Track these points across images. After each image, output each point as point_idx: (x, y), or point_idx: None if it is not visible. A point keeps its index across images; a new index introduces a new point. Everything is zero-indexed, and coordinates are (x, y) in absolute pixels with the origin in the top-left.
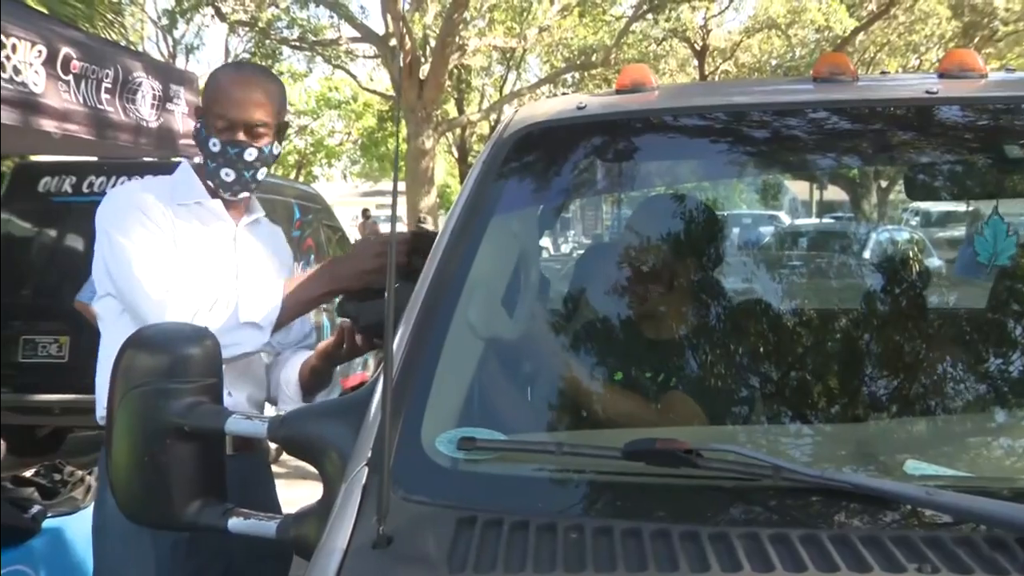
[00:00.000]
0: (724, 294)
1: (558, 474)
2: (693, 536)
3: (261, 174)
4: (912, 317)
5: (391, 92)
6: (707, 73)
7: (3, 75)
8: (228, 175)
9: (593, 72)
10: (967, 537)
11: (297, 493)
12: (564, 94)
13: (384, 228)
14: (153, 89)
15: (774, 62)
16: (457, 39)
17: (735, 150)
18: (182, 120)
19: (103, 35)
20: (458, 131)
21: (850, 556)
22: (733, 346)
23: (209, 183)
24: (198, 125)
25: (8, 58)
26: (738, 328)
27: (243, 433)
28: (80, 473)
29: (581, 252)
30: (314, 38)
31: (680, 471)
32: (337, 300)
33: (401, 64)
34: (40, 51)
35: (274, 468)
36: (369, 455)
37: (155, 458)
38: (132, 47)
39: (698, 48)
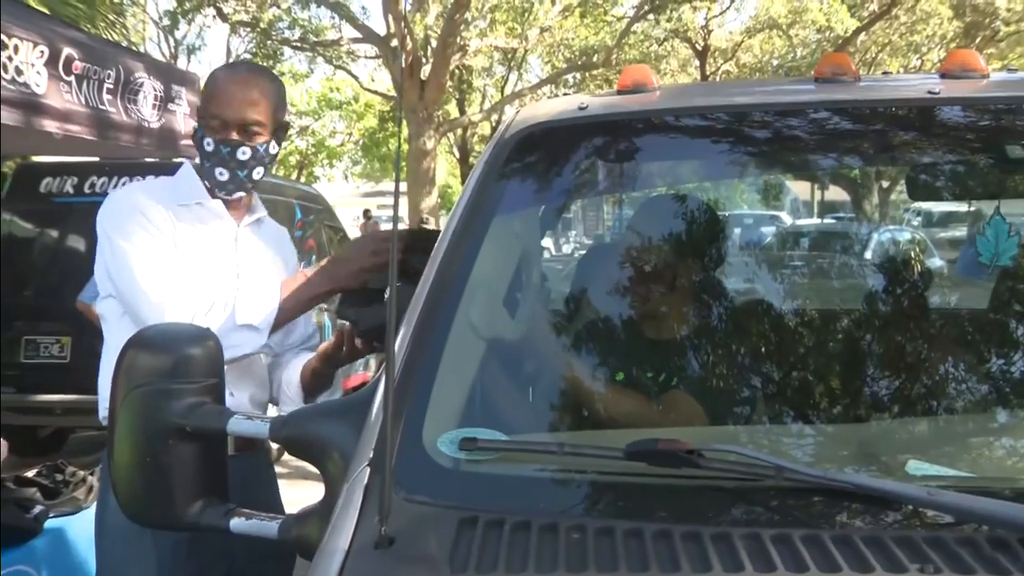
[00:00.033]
0: (725, 294)
1: (560, 474)
2: (695, 536)
3: (257, 173)
4: (914, 317)
5: (392, 93)
6: (708, 73)
7: (5, 76)
8: (222, 174)
9: (594, 72)
10: (969, 537)
11: (299, 493)
12: (565, 95)
13: (385, 228)
14: (155, 90)
15: (775, 62)
16: (458, 40)
17: (737, 150)
18: (184, 121)
19: (105, 36)
20: (459, 132)
21: (852, 556)
22: (735, 346)
23: (207, 183)
24: (196, 125)
25: (10, 59)
26: (740, 328)
27: (245, 433)
28: (82, 473)
29: (583, 252)
30: (315, 39)
31: (682, 471)
32: (336, 300)
33: (402, 65)
34: (42, 52)
35: (276, 468)
36: (371, 455)
37: (157, 458)
38: (134, 48)
39: (699, 48)
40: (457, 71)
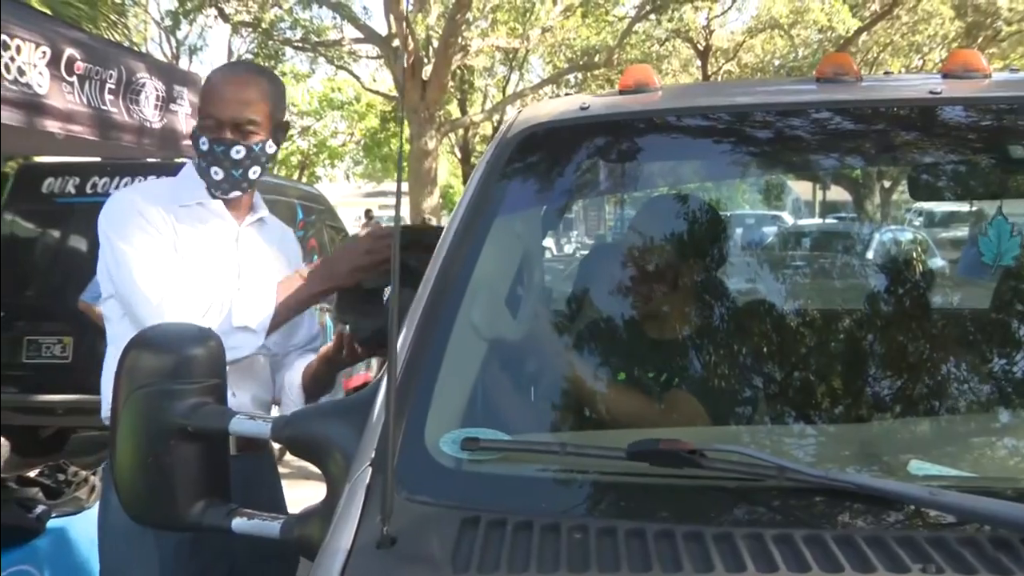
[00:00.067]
0: (727, 294)
1: (562, 474)
2: (697, 536)
3: (253, 173)
4: (915, 317)
5: (394, 93)
6: (710, 73)
7: (7, 76)
8: (217, 173)
9: (596, 73)
10: (971, 537)
11: (301, 493)
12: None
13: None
14: (156, 90)
15: (777, 62)
16: (460, 40)
17: (738, 150)
18: (185, 121)
19: (106, 36)
20: (461, 132)
21: (854, 556)
22: (737, 346)
23: (205, 183)
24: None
25: (12, 59)
26: (741, 328)
27: (247, 433)
28: (84, 473)
29: (584, 252)
30: (317, 39)
31: (684, 471)
32: (335, 301)
33: (404, 65)
34: (44, 52)
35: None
36: (373, 455)
37: (159, 458)
38: (135, 48)
39: (701, 48)
40: (459, 71)
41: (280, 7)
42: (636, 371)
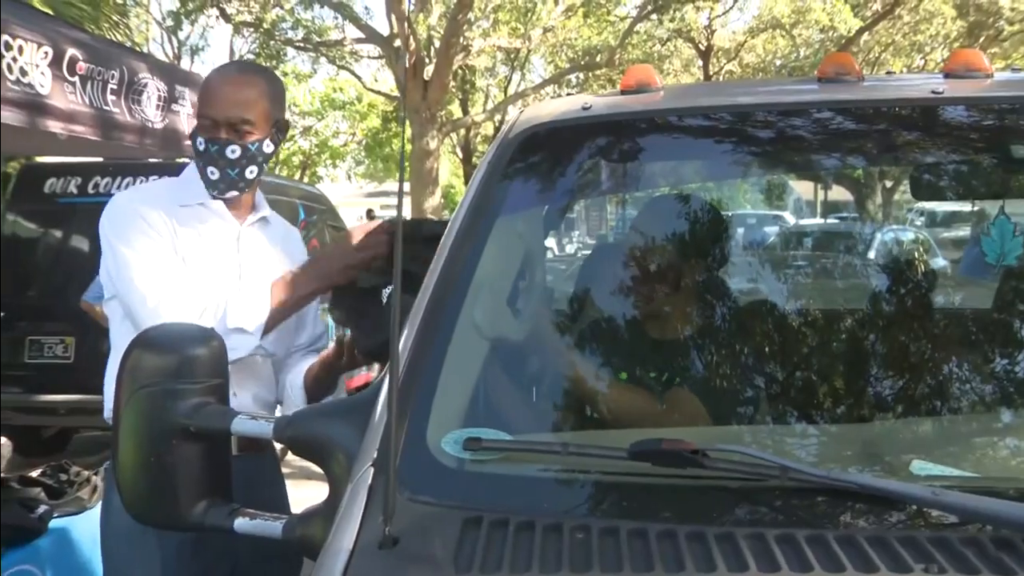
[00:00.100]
0: (729, 294)
1: (564, 474)
2: (699, 536)
3: (250, 172)
4: (917, 317)
5: (395, 93)
6: (711, 73)
7: (9, 77)
8: (213, 173)
9: (597, 72)
10: (974, 537)
11: (303, 493)
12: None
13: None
14: (158, 90)
15: (778, 62)
16: (461, 40)
17: (740, 150)
18: (187, 121)
19: (108, 36)
20: (462, 132)
21: (857, 556)
22: (738, 346)
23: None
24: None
25: (15, 60)
26: (743, 328)
27: (249, 433)
28: (86, 473)
29: (586, 252)
30: (318, 39)
31: (686, 471)
32: (330, 301)
33: (406, 65)
34: (46, 53)
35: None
36: (375, 455)
37: (161, 458)
38: (137, 48)
39: (702, 48)
40: (460, 71)
41: (282, 7)
42: (638, 371)
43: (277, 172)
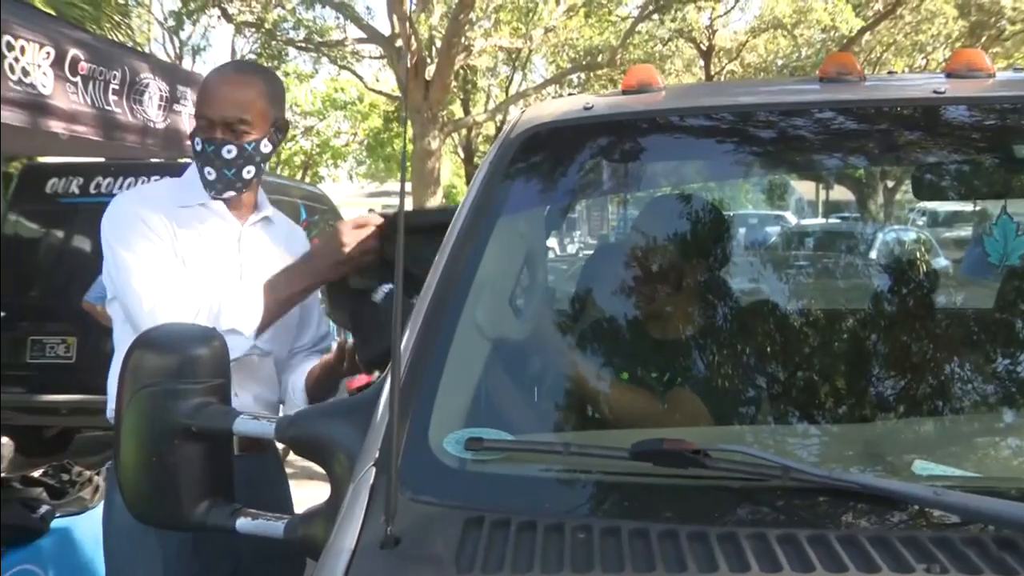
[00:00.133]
0: (730, 294)
1: (565, 474)
2: (701, 536)
3: (247, 172)
4: (919, 317)
5: (397, 93)
6: (713, 73)
7: (11, 77)
8: (210, 173)
9: (599, 73)
10: (975, 537)
11: (305, 493)
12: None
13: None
14: (160, 90)
15: (780, 62)
16: (463, 40)
17: (741, 150)
18: (189, 121)
19: (110, 36)
20: (464, 132)
21: (858, 556)
22: (740, 346)
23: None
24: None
25: (16, 60)
26: (745, 328)
27: (251, 433)
28: (88, 473)
29: (588, 252)
30: (320, 39)
31: (688, 471)
32: (325, 299)
33: (407, 65)
34: (48, 53)
35: None
36: (377, 455)
37: (163, 458)
38: (139, 48)
39: (704, 48)
40: (461, 71)
41: (283, 7)
42: (640, 371)
43: (279, 172)
